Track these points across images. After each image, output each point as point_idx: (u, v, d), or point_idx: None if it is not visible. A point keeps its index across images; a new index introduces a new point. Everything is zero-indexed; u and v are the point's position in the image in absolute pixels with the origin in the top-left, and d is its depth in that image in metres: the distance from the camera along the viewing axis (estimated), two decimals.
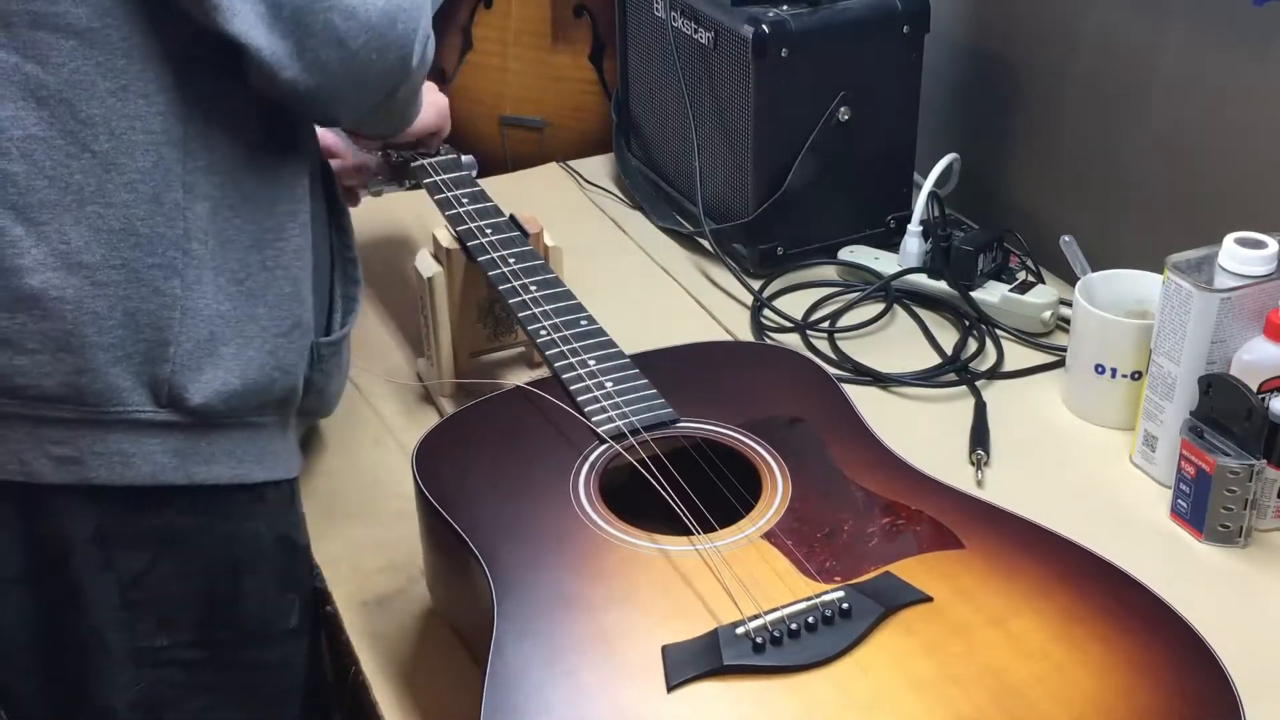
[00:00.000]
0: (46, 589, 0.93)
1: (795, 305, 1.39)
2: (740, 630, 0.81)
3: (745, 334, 1.35)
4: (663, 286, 1.46)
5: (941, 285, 1.37)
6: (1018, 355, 1.31)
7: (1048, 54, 1.43)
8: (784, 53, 1.34)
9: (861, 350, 1.31)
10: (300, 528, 1.04)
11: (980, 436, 1.17)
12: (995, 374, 1.28)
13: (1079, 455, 1.17)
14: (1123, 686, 0.79)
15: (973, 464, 1.15)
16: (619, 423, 0.97)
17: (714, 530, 0.90)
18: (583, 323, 1.08)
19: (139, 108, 0.87)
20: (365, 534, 1.10)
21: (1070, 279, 1.28)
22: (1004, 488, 1.11)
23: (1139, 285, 1.21)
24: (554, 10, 1.89)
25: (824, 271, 1.45)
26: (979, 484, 1.12)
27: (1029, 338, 1.32)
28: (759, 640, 0.80)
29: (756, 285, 1.41)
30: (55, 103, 0.85)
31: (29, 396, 0.88)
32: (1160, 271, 1.08)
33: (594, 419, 0.98)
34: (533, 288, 1.12)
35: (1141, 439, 1.13)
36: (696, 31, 1.43)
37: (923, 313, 1.37)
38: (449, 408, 1.21)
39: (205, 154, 0.90)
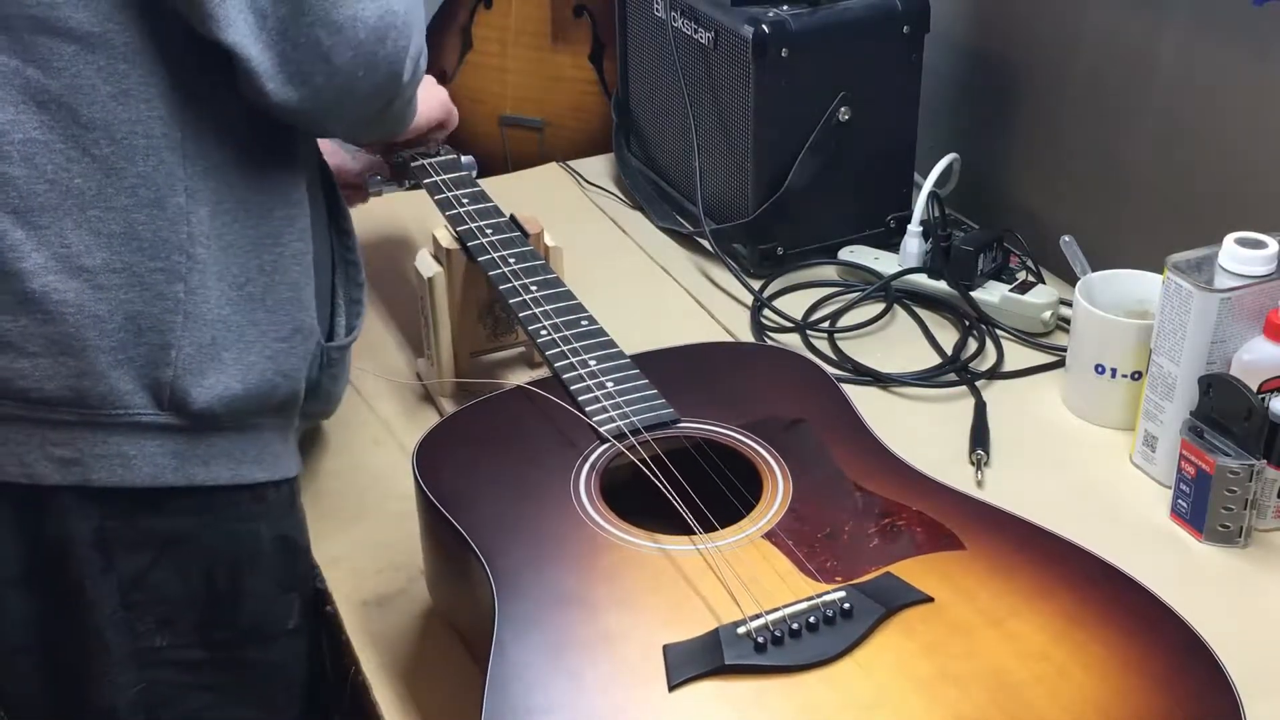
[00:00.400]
0: (47, 590, 0.93)
1: (795, 305, 1.39)
2: (741, 630, 0.81)
3: (745, 334, 1.36)
4: (663, 286, 1.46)
5: (941, 285, 1.37)
6: (1018, 355, 1.31)
7: (1048, 54, 1.43)
8: (784, 53, 1.34)
9: (861, 350, 1.31)
10: (300, 528, 1.04)
11: (980, 436, 1.17)
12: (995, 374, 1.28)
13: (1079, 455, 1.17)
14: (1123, 687, 0.79)
15: (973, 464, 1.15)
16: (620, 422, 0.98)
17: (715, 530, 0.90)
18: (583, 323, 1.08)
19: (140, 112, 0.87)
20: (365, 534, 1.10)
21: (1070, 279, 1.28)
22: (1004, 488, 1.11)
23: (1139, 285, 1.21)
24: (554, 10, 1.90)
25: (824, 271, 1.45)
26: (979, 484, 1.12)
27: (1029, 338, 1.33)
28: (760, 640, 0.80)
29: (756, 285, 1.41)
30: (56, 107, 0.85)
31: (30, 399, 0.88)
32: (1160, 271, 1.08)
33: (595, 419, 0.98)
34: (533, 288, 1.12)
35: (1141, 439, 1.13)
36: (696, 31, 1.43)
37: (923, 313, 1.37)
38: (449, 408, 1.21)
39: (202, 159, 0.90)
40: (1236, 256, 1.04)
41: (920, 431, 1.18)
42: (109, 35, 0.85)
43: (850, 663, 0.80)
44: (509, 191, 1.37)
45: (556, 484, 0.94)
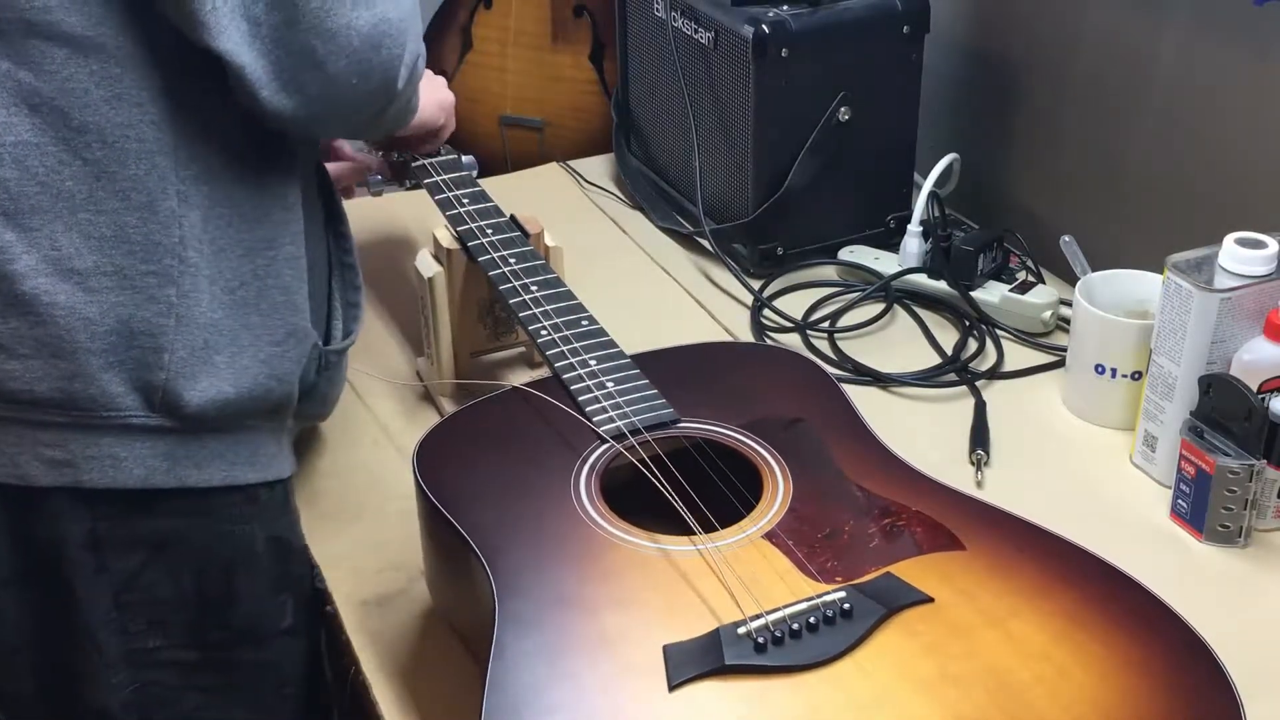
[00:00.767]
0: (40, 591, 0.93)
1: (795, 305, 1.39)
2: (742, 630, 0.81)
3: (745, 334, 1.35)
4: (663, 286, 1.46)
5: (941, 285, 1.37)
6: (1018, 355, 1.31)
7: (1048, 54, 1.43)
8: (784, 53, 1.34)
9: (861, 350, 1.31)
10: (294, 528, 1.04)
11: (980, 436, 1.17)
12: (995, 374, 1.28)
13: (1079, 455, 1.17)
14: (1123, 687, 0.79)
15: (973, 464, 1.15)
16: (620, 423, 0.98)
17: (715, 530, 0.90)
18: (583, 323, 1.08)
19: (132, 116, 0.87)
20: (365, 534, 1.10)
21: (1070, 279, 1.28)
22: (1004, 488, 1.11)
23: (1139, 285, 1.21)
24: (554, 10, 1.90)
25: (824, 271, 1.45)
26: (979, 484, 1.12)
27: (1029, 338, 1.33)
28: (760, 640, 0.80)
29: (756, 285, 1.41)
30: (48, 110, 0.85)
31: (21, 401, 0.88)
32: (1160, 271, 1.08)
33: (595, 419, 0.98)
34: (533, 288, 1.12)
35: (1141, 439, 1.13)
36: (696, 31, 1.43)
37: (923, 313, 1.37)
38: (449, 408, 1.21)
39: (194, 163, 0.90)
40: (1236, 256, 1.04)
41: (920, 431, 1.18)
42: (102, 39, 0.85)
43: (850, 663, 0.80)
44: (509, 191, 1.37)
45: (557, 484, 0.94)
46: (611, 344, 1.06)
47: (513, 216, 1.22)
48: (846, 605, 0.82)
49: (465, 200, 1.23)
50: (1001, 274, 1.37)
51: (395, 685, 0.97)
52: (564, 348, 1.05)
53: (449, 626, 1.00)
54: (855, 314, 1.37)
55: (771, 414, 1.02)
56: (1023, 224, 1.44)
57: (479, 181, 1.28)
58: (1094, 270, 1.26)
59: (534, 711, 0.78)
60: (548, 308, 1.09)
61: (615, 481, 0.95)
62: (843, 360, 1.30)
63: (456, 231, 1.20)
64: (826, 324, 1.36)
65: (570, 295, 1.11)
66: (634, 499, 0.93)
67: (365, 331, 1.13)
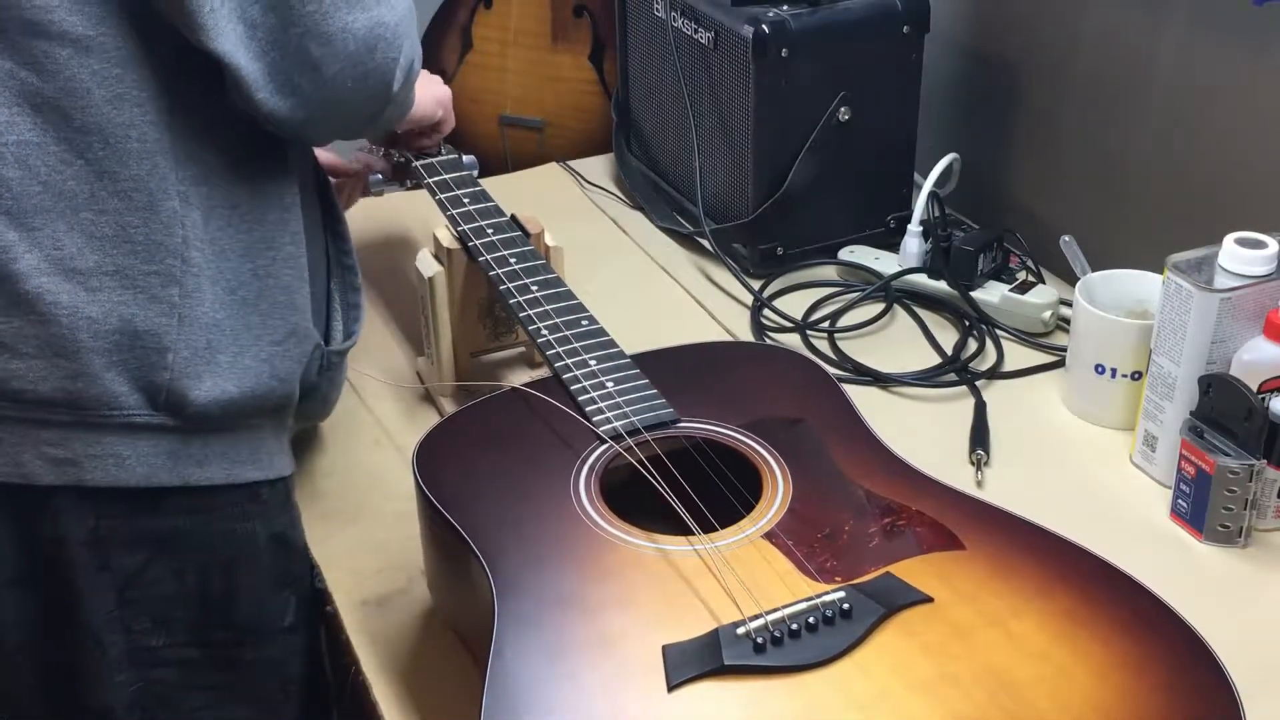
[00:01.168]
0: (42, 590, 0.93)
1: (795, 305, 1.39)
2: (741, 630, 0.81)
3: (745, 334, 1.35)
4: (663, 286, 1.46)
5: (941, 285, 1.37)
6: (1018, 355, 1.31)
7: (1048, 54, 1.43)
8: (784, 53, 1.34)
9: (861, 350, 1.31)
10: (295, 526, 1.04)
11: (980, 436, 1.17)
12: (995, 374, 1.28)
13: (1079, 455, 1.17)
14: (1123, 687, 0.79)
15: (973, 464, 1.15)
16: (619, 423, 0.98)
17: (714, 530, 0.90)
18: (583, 323, 1.08)
19: (134, 116, 0.87)
20: (365, 534, 1.10)
21: (1070, 279, 1.28)
22: (1004, 488, 1.11)
23: (1139, 285, 1.21)
24: (554, 10, 1.90)
25: (824, 271, 1.45)
26: (979, 484, 1.12)
27: (1029, 338, 1.33)
28: (760, 640, 0.80)
29: (756, 285, 1.41)
30: (50, 110, 0.85)
31: (24, 400, 0.88)
32: (1160, 271, 1.08)
33: (594, 419, 0.98)
34: (534, 288, 1.12)
35: (1141, 439, 1.13)
36: (696, 31, 1.43)
37: (923, 313, 1.37)
38: (449, 408, 1.21)
39: (194, 164, 0.90)
40: (1236, 256, 1.04)
41: (920, 431, 1.18)
42: (103, 40, 0.86)
43: (850, 663, 0.80)
44: (509, 191, 1.37)
45: (556, 484, 0.94)
46: (611, 344, 1.06)
47: (513, 216, 1.22)
48: (846, 605, 0.82)
49: (466, 200, 1.23)
50: (1001, 274, 1.37)
51: (395, 685, 0.97)
52: (564, 348, 1.05)
53: (449, 626, 1.00)
54: (855, 314, 1.37)
55: (771, 414, 1.02)
56: (1023, 224, 1.44)
57: (479, 181, 1.28)
58: (1094, 270, 1.26)
59: (534, 712, 0.78)
60: (548, 308, 1.09)
61: (615, 481, 0.95)
62: (843, 360, 1.30)
63: (457, 231, 1.20)
64: (826, 324, 1.36)
65: (570, 295, 1.11)
66: (634, 499, 0.93)
67: (366, 332, 1.13)
